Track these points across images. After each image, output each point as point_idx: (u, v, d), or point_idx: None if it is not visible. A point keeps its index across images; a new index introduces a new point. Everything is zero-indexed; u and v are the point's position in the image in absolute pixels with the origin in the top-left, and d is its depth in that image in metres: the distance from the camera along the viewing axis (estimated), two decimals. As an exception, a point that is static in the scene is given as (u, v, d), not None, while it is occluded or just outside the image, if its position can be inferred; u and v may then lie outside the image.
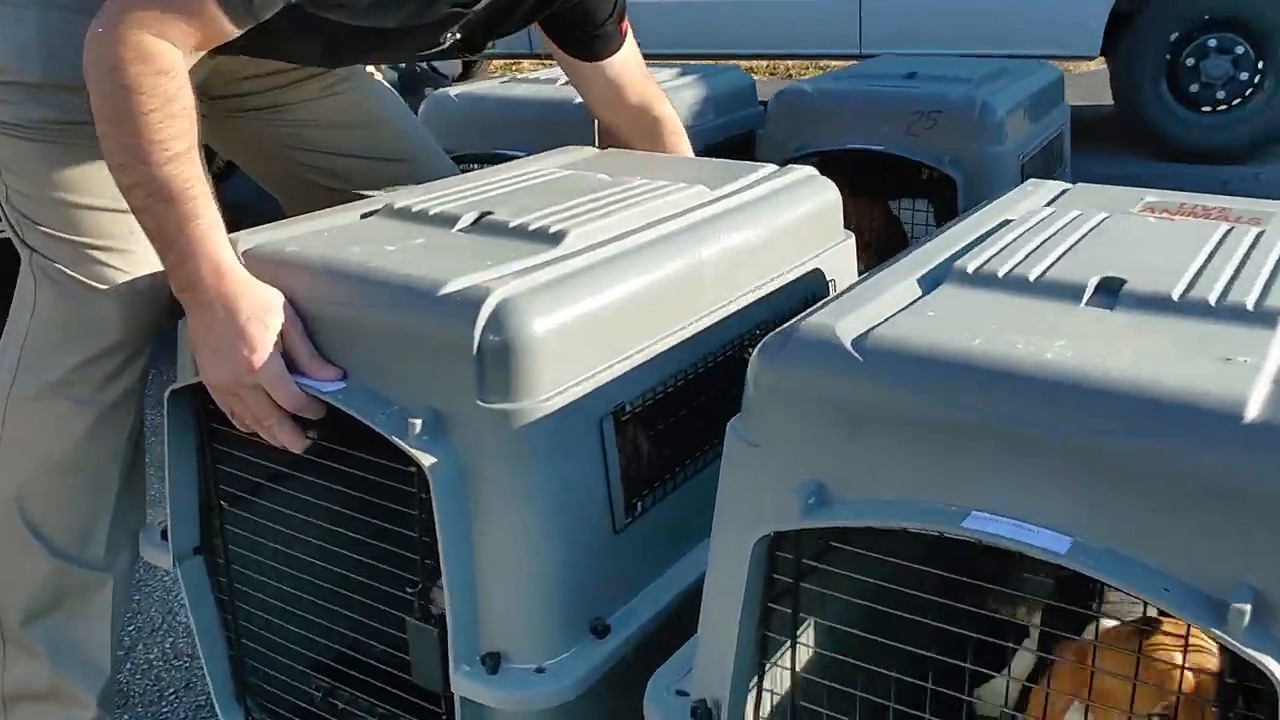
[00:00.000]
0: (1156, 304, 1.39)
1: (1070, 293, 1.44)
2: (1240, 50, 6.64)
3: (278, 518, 1.94)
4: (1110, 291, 1.43)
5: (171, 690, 2.40)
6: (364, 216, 1.98)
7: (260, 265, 1.75)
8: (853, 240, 2.36)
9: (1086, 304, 1.42)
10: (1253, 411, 1.12)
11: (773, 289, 2.08)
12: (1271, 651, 1.07)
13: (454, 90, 3.50)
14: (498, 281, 1.61)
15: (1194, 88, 6.75)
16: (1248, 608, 1.08)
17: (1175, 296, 1.40)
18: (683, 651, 1.63)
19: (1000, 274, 1.51)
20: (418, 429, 1.57)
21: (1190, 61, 6.72)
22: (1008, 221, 1.78)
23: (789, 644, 1.44)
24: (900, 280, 1.53)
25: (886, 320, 1.38)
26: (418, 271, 1.66)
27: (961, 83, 3.36)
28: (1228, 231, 1.67)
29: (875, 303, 1.44)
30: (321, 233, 1.89)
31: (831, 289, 2.28)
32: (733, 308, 1.97)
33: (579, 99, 3.25)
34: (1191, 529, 1.13)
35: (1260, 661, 1.06)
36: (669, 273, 1.83)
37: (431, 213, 1.94)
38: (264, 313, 1.65)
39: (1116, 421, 1.16)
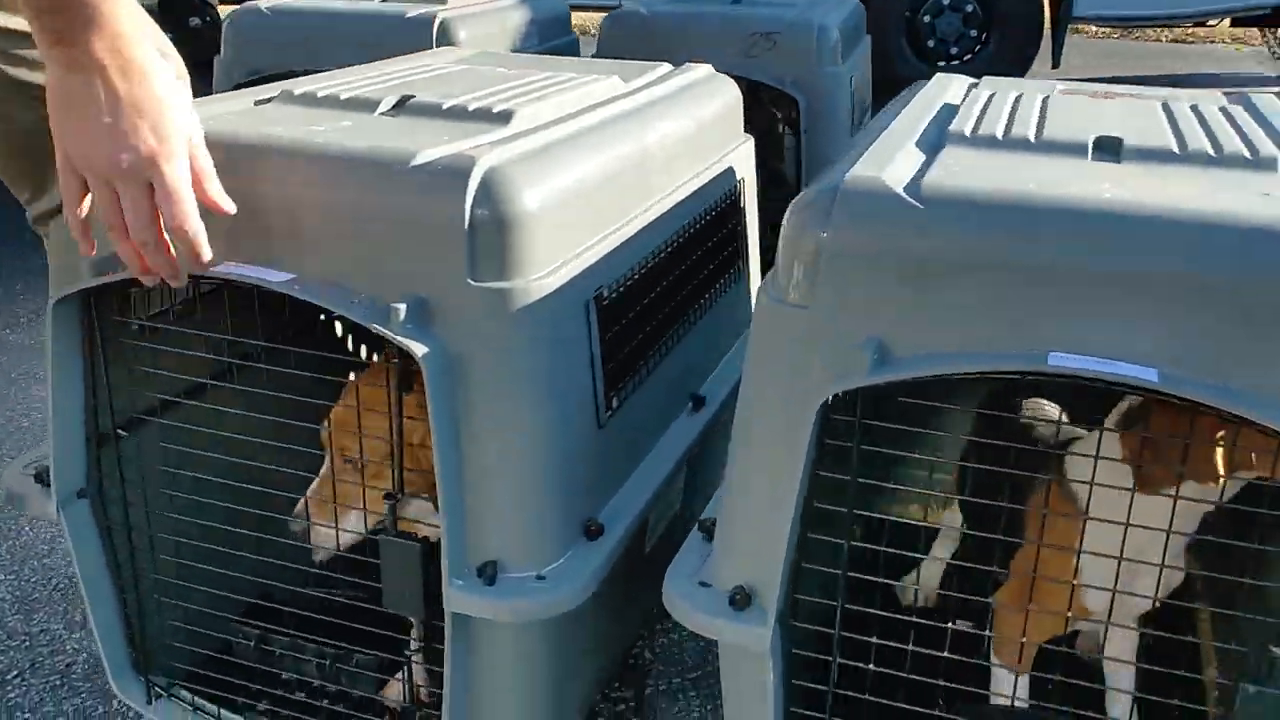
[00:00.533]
0: (1161, 156, 1.43)
1: (1074, 150, 1.45)
2: (970, 8, 7.16)
3: (184, 440, 1.68)
4: (1110, 150, 1.46)
5: (14, 673, 2.04)
6: (258, 103, 1.74)
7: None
8: (752, 142, 2.32)
9: (1093, 159, 1.43)
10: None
11: (702, 183, 2.01)
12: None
13: (264, 3, 3.18)
14: (477, 151, 1.45)
15: (931, 43, 7.23)
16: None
17: (1175, 150, 1.44)
18: (689, 544, 1.55)
19: (999, 136, 1.51)
20: (401, 316, 1.39)
21: (927, 19, 7.19)
22: (951, 105, 1.79)
23: (849, 513, 1.37)
24: (899, 147, 1.49)
25: (924, 173, 1.34)
26: (378, 145, 1.47)
27: (790, 6, 3.40)
28: (1164, 103, 1.76)
29: (892, 164, 1.40)
30: (225, 116, 1.64)
31: (741, 189, 2.24)
32: (674, 198, 1.89)
33: (412, 11, 3.06)
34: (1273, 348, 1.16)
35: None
36: (626, 154, 1.73)
37: (343, 97, 1.73)
38: (186, 108, 1.36)
39: (1199, 252, 1.18)
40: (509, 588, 1.47)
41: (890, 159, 1.40)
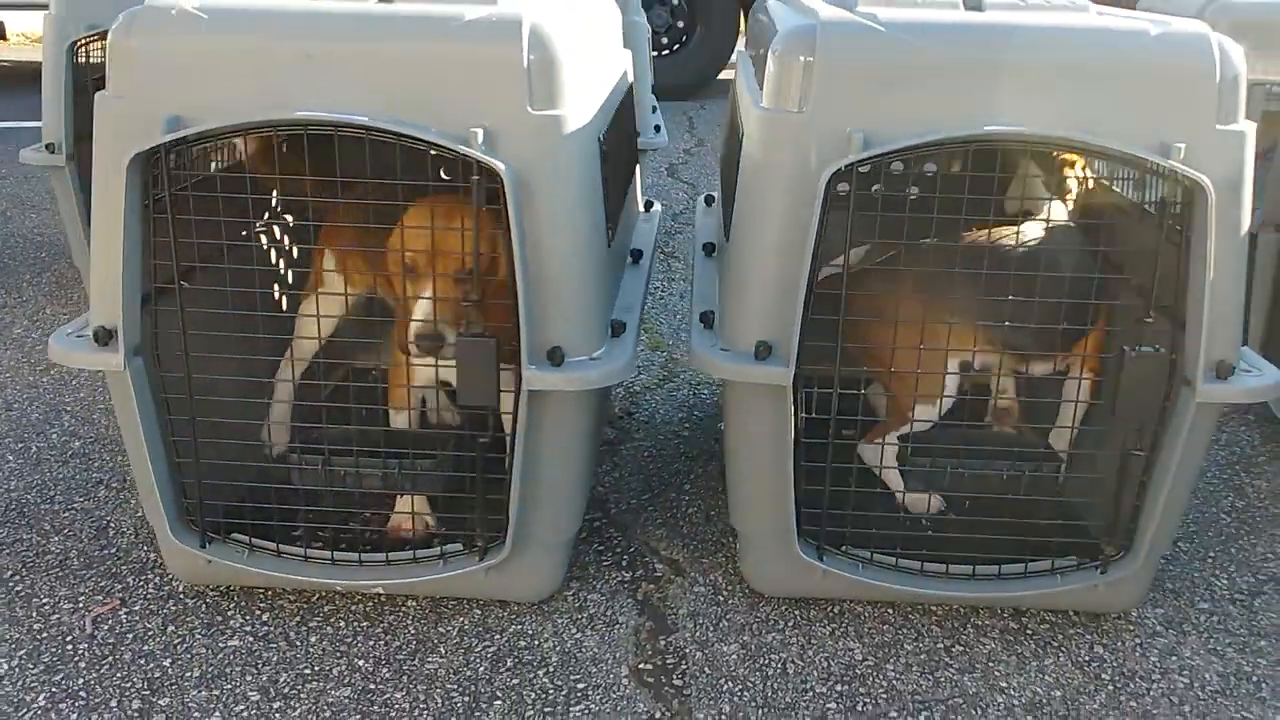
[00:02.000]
0: (1018, 7, 1.96)
1: (952, 5, 1.96)
2: (676, 2, 7.87)
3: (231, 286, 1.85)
4: (976, 6, 1.98)
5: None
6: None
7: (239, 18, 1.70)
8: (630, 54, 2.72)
9: (967, 10, 1.94)
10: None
11: (619, 74, 2.38)
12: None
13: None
14: (508, 10, 1.76)
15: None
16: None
17: (1020, 5, 1.98)
18: (695, 332, 1.92)
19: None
20: (480, 139, 1.68)
21: (638, 11, 7.83)
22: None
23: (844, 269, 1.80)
24: (832, 4, 1.94)
25: (872, 14, 1.79)
26: (425, 9, 1.75)
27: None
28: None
29: (840, 8, 1.84)
30: (243, 2, 1.84)
31: (634, 89, 2.63)
32: (613, 80, 2.25)
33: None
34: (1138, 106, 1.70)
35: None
36: (592, 34, 2.07)
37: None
38: None
39: (1087, 40, 1.70)
40: (574, 366, 1.78)
41: (834, 8, 1.84)
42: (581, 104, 1.79)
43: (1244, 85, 1.71)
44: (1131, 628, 2.01)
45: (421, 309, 1.78)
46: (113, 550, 2.20)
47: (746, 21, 8.06)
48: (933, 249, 2.00)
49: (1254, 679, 1.89)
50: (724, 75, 8.22)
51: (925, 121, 1.71)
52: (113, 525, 2.29)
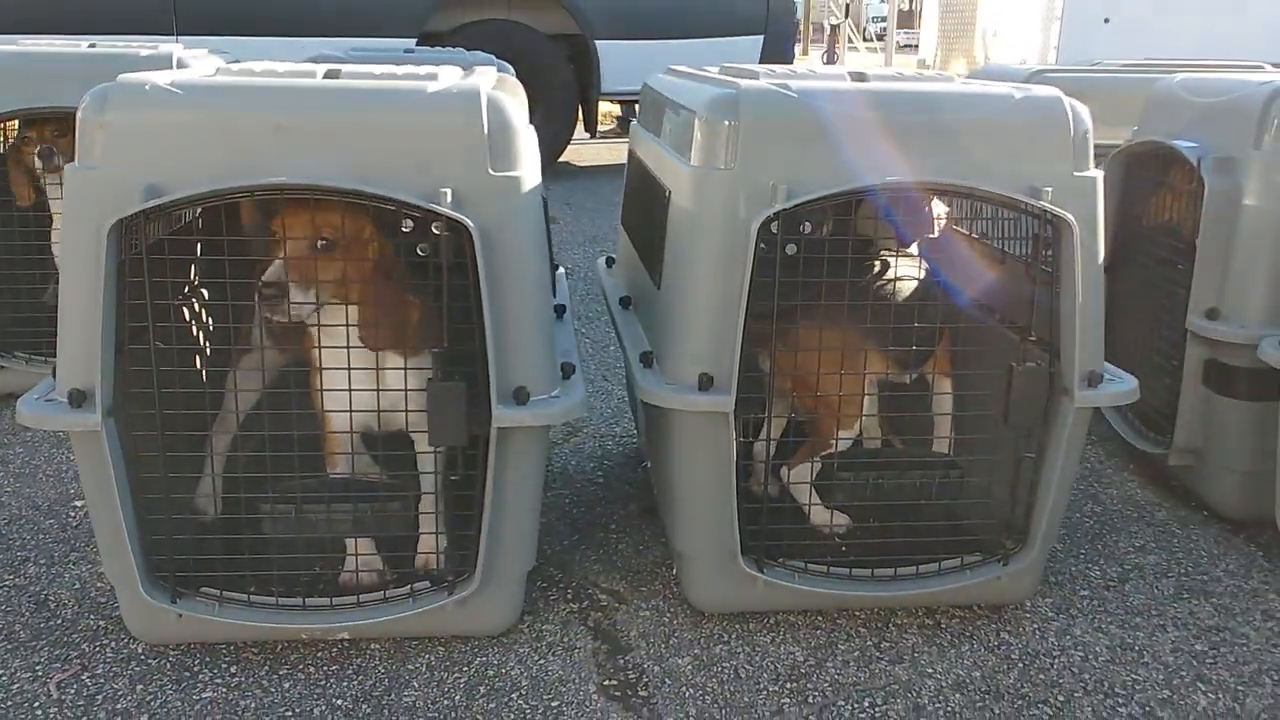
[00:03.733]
0: (898, 78, 2.26)
1: (838, 77, 2.25)
2: (518, 88, 8.17)
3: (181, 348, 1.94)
4: (859, 78, 2.27)
5: None
6: (209, 76, 2.07)
7: (216, 96, 1.82)
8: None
9: (853, 81, 2.23)
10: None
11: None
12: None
13: (-16, 43, 3.19)
14: (466, 83, 1.94)
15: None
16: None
17: (900, 74, 2.29)
18: (638, 371, 2.11)
19: (790, 72, 2.27)
20: (449, 198, 1.84)
21: (481, 98, 8.09)
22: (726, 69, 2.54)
23: (773, 305, 2.02)
24: (736, 78, 2.20)
25: (780, 85, 2.06)
26: (390, 82, 1.91)
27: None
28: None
29: (750, 82, 2.10)
30: (212, 79, 1.97)
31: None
32: (534, 149, 2.44)
33: (145, 50, 3.29)
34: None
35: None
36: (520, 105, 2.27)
37: (280, 70, 2.11)
38: None
39: (964, 103, 2.01)
40: (539, 404, 1.94)
41: (742, 82, 2.10)
42: (531, 165, 1.98)
43: (1091, 139, 2.05)
44: (1029, 615, 2.27)
45: (273, 268, 1.90)
46: (58, 621, 2.20)
47: (584, 110, 8.45)
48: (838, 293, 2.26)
49: (1135, 648, 2.17)
50: (564, 159, 8.53)
51: (835, 175, 1.97)
52: (51, 598, 2.29)
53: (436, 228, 1.85)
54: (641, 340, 2.28)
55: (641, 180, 2.58)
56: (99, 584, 2.32)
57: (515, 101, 1.96)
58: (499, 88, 2.06)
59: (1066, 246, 2.01)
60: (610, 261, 3.03)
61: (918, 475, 2.15)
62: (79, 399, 1.84)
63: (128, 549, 1.93)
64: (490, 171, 1.88)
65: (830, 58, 12.51)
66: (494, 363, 1.89)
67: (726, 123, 1.97)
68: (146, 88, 1.84)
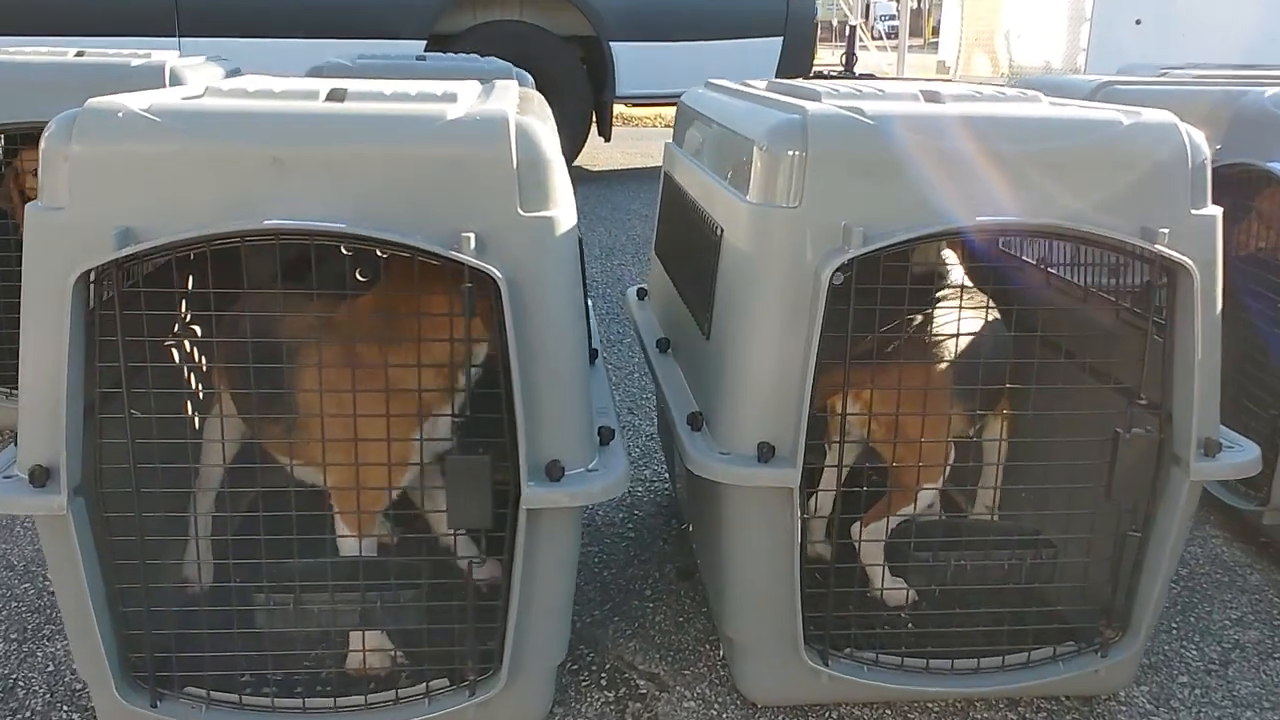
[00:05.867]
0: (976, 98, 1.99)
1: (909, 96, 1.98)
2: (530, 91, 7.91)
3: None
4: (934, 99, 2.00)
5: None
6: (194, 98, 1.81)
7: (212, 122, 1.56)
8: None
9: (926, 103, 1.97)
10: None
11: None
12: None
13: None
14: (491, 108, 1.67)
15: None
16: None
17: (979, 94, 2.02)
18: (683, 435, 1.84)
19: (855, 91, 2.00)
20: (473, 244, 1.58)
21: (492, 101, 7.83)
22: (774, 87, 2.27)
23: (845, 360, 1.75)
24: (800, 99, 1.93)
25: (858, 106, 1.79)
26: (400, 108, 1.65)
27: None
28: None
29: (816, 105, 1.83)
30: (197, 101, 1.71)
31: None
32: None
33: (136, 60, 3.04)
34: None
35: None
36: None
37: (277, 90, 1.85)
38: None
39: (1064, 130, 1.74)
40: (574, 480, 1.68)
41: (808, 105, 1.83)
42: (566, 203, 1.71)
43: (1209, 170, 1.78)
44: (1124, 708, 2.00)
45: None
46: (27, 715, 1.94)
47: (598, 114, 8.18)
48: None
49: (1251, 751, 1.91)
50: (576, 164, 8.28)
51: (917, 214, 1.70)
52: (21, 683, 2.03)
53: (454, 275, 1.58)
54: (686, 396, 2.01)
55: (682, 210, 2.31)
56: (75, 666, 2.06)
57: (546, 128, 1.69)
58: (525, 109, 1.80)
59: (1184, 296, 1.74)
60: (642, 293, 2.76)
61: (1006, 555, 1.88)
62: (42, 477, 1.58)
63: (100, 647, 1.67)
64: (520, 212, 1.62)
65: (849, 59, 12.18)
66: (524, 433, 1.63)
67: (791, 153, 1.70)
68: (120, 115, 1.58)
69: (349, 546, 1.79)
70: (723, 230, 1.89)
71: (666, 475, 2.95)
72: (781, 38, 8.45)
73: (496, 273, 1.57)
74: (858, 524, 2.03)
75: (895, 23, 28.41)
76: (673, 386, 2.09)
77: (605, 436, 1.80)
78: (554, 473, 1.66)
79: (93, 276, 1.58)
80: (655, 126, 12.11)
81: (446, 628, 1.73)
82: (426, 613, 1.76)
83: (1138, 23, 8.53)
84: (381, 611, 1.74)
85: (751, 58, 8.32)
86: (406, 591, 1.74)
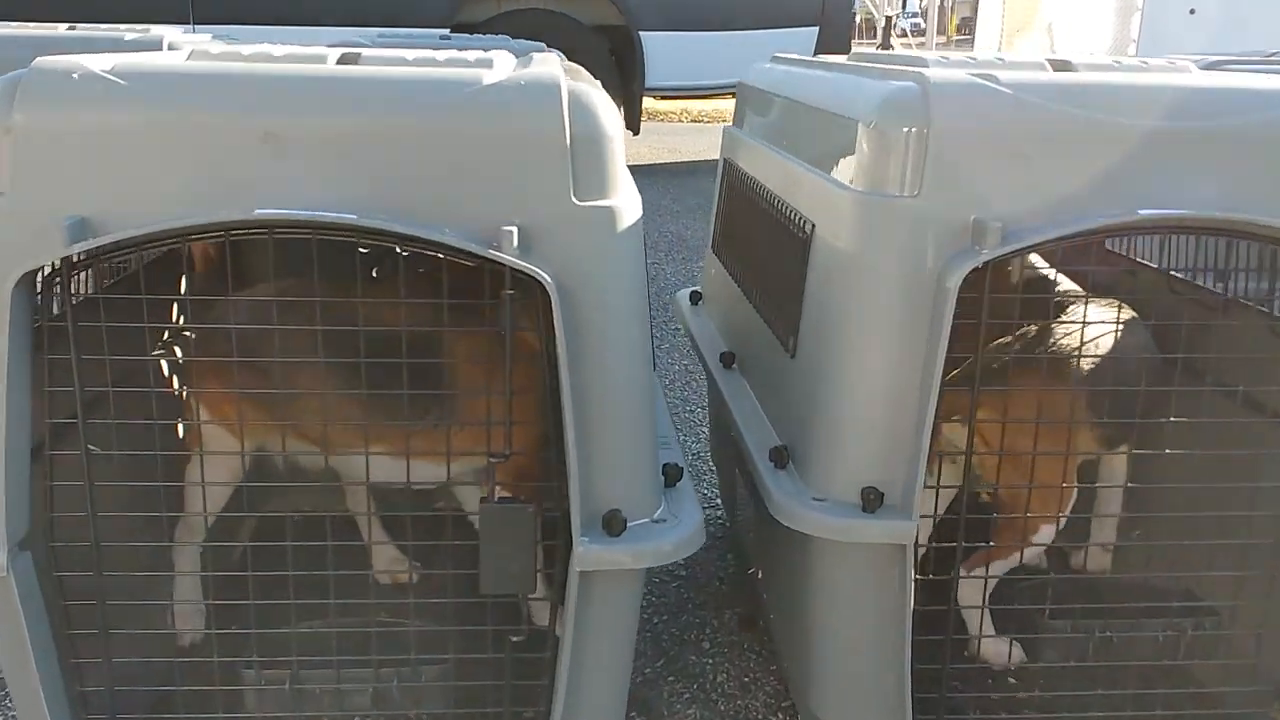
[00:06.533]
0: (1114, 68, 1.65)
1: (1036, 66, 1.64)
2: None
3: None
4: (1064, 69, 1.67)
5: None
6: (172, 62, 1.48)
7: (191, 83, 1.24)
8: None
9: (1056, 72, 1.63)
10: None
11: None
12: None
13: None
14: (538, 72, 1.35)
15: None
16: None
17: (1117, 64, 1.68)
18: (764, 474, 1.52)
19: (970, 60, 1.67)
20: (515, 240, 1.25)
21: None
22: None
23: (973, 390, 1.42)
24: (909, 67, 1.60)
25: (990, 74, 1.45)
26: (425, 72, 1.32)
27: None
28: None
29: (938, 70, 1.49)
30: (172, 64, 1.38)
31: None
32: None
33: (130, 35, 2.75)
34: None
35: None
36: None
37: (276, 54, 1.52)
38: None
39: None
40: (638, 535, 1.35)
41: (929, 72, 1.49)
42: (629, 190, 1.38)
43: None
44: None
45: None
46: (-25, 799, 1.63)
47: (627, 106, 7.85)
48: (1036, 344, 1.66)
49: None
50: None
51: (1067, 205, 1.37)
52: (-28, 758, 1.72)
53: (493, 278, 1.26)
54: (763, 425, 1.68)
55: (751, 203, 1.98)
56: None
57: (604, 98, 1.36)
58: (575, 77, 1.47)
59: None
60: (695, 297, 2.43)
61: (1160, 624, 1.54)
62: (-24, 533, 1.27)
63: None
64: (574, 200, 1.29)
65: (886, 49, 11.82)
66: (577, 476, 1.30)
67: (908, 130, 1.37)
68: (74, 76, 1.26)
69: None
70: (813, 226, 1.55)
71: (720, 503, 2.62)
72: (817, 27, 8.12)
73: (545, 276, 1.24)
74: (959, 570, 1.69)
75: (917, 20, 28.05)
76: (745, 411, 1.75)
77: (671, 476, 1.47)
78: (614, 525, 1.33)
79: (40, 279, 1.26)
80: (681, 121, 11.79)
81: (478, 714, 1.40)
82: (455, 693, 1.43)
83: (1191, 12, 8.13)
84: (399, 693, 1.41)
85: (785, 49, 7.99)
86: (430, 668, 1.42)
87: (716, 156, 2.31)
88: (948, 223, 1.36)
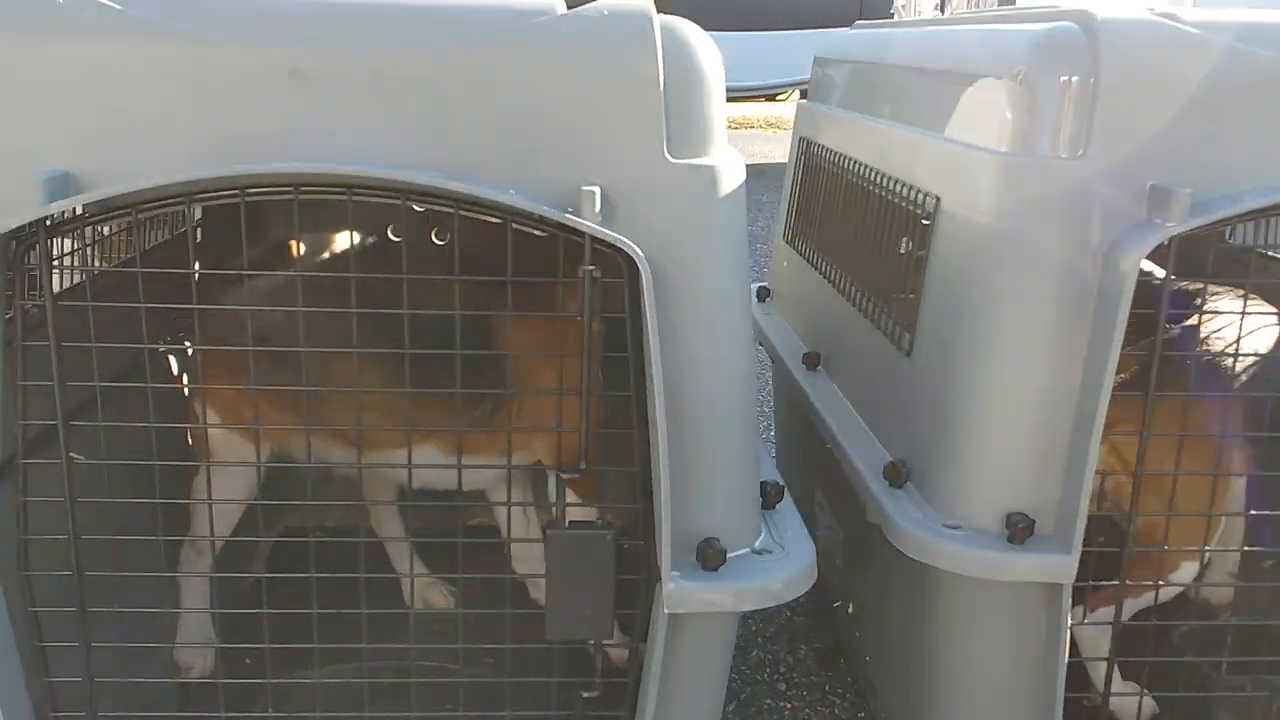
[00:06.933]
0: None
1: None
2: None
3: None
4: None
5: None
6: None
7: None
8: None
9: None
10: None
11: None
12: None
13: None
14: (628, 1, 1.10)
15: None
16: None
17: None
18: (876, 493, 1.27)
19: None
20: (596, 202, 1.01)
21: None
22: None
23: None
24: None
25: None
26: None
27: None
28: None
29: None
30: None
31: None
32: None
33: None
34: None
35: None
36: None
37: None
38: None
39: None
40: (740, 569, 1.10)
41: (1097, 10, 1.24)
42: (729, 148, 1.14)
43: None
44: None
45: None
46: None
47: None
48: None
49: None
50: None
51: (1273, 168, 1.12)
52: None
53: (568, 251, 1.02)
54: (864, 435, 1.43)
55: (840, 180, 1.73)
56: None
57: (701, 35, 1.12)
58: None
59: None
60: (764, 293, 2.18)
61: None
62: (-69, 555, 1.03)
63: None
64: (668, 157, 1.05)
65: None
66: (666, 495, 1.05)
67: (1069, 79, 1.12)
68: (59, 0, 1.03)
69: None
70: (937, 200, 1.31)
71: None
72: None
73: (635, 248, 1.00)
74: (1080, 609, 1.44)
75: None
76: (841, 419, 1.50)
77: (770, 496, 1.22)
78: (710, 557, 1.08)
79: (13, 249, 1.02)
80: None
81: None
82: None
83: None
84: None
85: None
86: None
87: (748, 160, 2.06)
88: (1119, 190, 1.11)
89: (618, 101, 1.03)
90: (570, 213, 1.00)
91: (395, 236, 1.30)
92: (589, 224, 0.99)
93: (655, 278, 1.03)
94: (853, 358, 1.60)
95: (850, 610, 1.68)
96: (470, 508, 1.54)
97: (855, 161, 1.66)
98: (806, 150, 1.98)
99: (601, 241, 1.01)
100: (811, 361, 1.73)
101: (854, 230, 1.64)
